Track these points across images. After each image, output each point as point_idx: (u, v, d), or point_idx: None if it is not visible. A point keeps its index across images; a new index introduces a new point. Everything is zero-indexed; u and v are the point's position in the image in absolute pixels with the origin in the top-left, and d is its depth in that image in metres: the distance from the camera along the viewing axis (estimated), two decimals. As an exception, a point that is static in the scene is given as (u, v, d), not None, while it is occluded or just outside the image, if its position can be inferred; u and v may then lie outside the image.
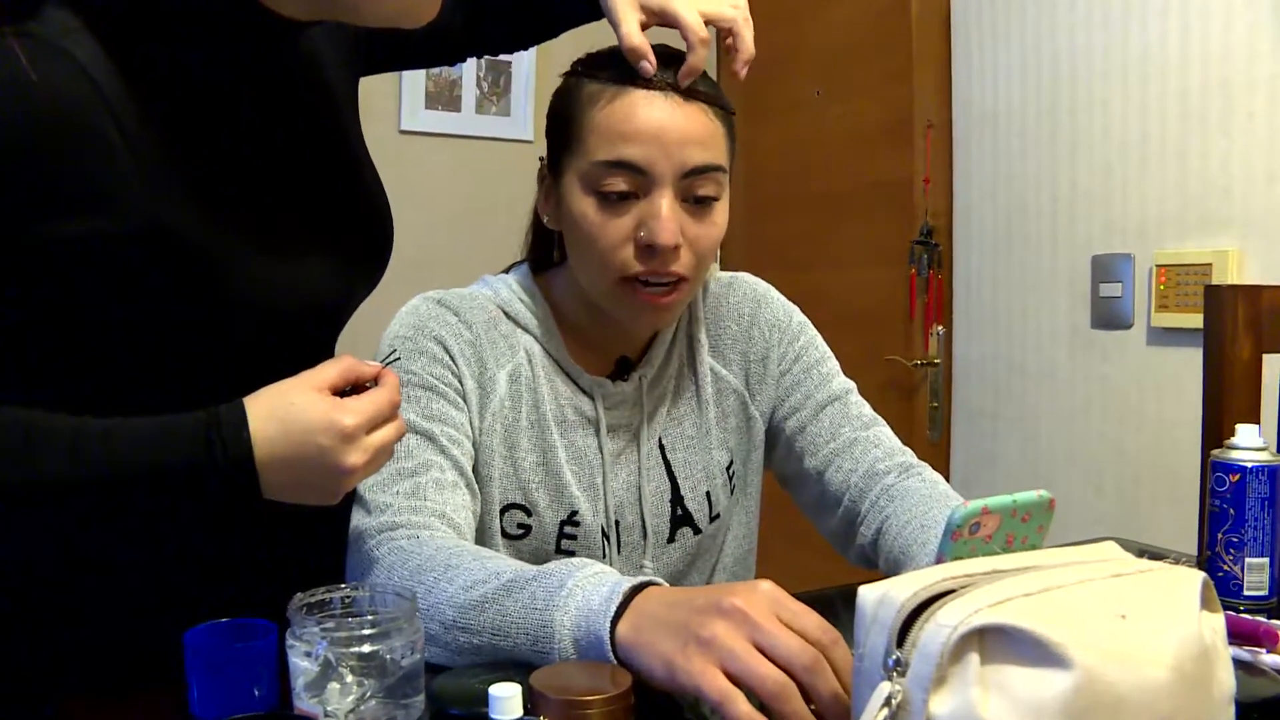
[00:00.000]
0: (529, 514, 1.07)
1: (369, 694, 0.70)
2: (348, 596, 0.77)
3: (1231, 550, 1.05)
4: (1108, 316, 2.00)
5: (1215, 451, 1.07)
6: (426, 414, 1.02)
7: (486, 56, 1.26)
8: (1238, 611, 0.97)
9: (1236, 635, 0.85)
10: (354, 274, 0.99)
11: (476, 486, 1.04)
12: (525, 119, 2.79)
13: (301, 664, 0.70)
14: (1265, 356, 1.32)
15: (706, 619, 0.71)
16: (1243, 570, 1.04)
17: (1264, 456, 1.04)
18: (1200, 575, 0.62)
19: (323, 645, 0.70)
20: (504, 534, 1.07)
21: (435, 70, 2.70)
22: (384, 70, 1.16)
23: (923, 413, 2.40)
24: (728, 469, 1.17)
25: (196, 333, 0.86)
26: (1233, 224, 1.78)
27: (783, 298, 1.22)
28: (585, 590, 0.79)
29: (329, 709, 0.70)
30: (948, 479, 1.36)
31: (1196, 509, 1.19)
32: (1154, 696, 0.55)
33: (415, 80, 2.66)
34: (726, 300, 1.19)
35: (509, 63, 2.77)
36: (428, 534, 0.93)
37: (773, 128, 2.78)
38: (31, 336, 0.83)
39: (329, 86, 1.00)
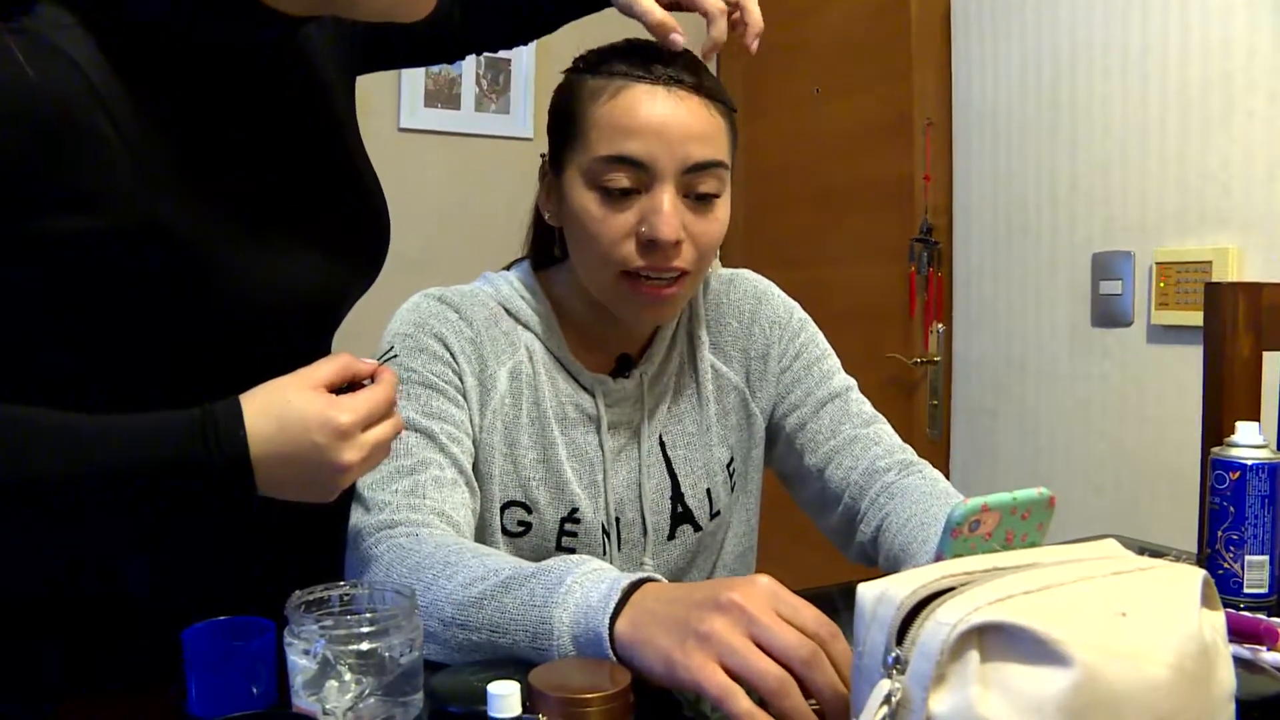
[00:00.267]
0: (529, 511, 1.07)
1: (367, 692, 0.70)
2: (346, 594, 0.77)
3: (1232, 548, 1.04)
4: (1108, 314, 2.00)
5: (1215, 449, 1.07)
6: (426, 411, 1.01)
7: (487, 54, 1.26)
8: (1238, 609, 0.97)
9: (1237, 633, 0.85)
10: (350, 271, 0.98)
11: (476, 484, 1.04)
12: (525, 117, 2.79)
13: (300, 662, 0.70)
14: (1265, 354, 1.32)
15: (705, 614, 0.71)
16: (1243, 568, 1.04)
17: (1264, 454, 1.04)
18: (1200, 573, 0.62)
19: (321, 643, 0.69)
20: (504, 531, 1.07)
21: (434, 68, 2.70)
22: (383, 68, 1.16)
23: (922, 410, 2.40)
24: (728, 466, 1.17)
25: (192, 329, 0.86)
26: (1233, 221, 1.77)
27: (783, 295, 1.22)
28: (584, 587, 0.79)
29: (327, 707, 0.69)
30: (947, 476, 1.36)
31: (1197, 506, 1.19)
32: (1154, 694, 0.55)
33: (414, 78, 2.66)
34: (727, 297, 1.19)
35: (508, 60, 2.77)
36: (426, 531, 0.93)
37: (772, 125, 2.78)
38: (26, 333, 0.83)
39: (325, 83, 0.99)
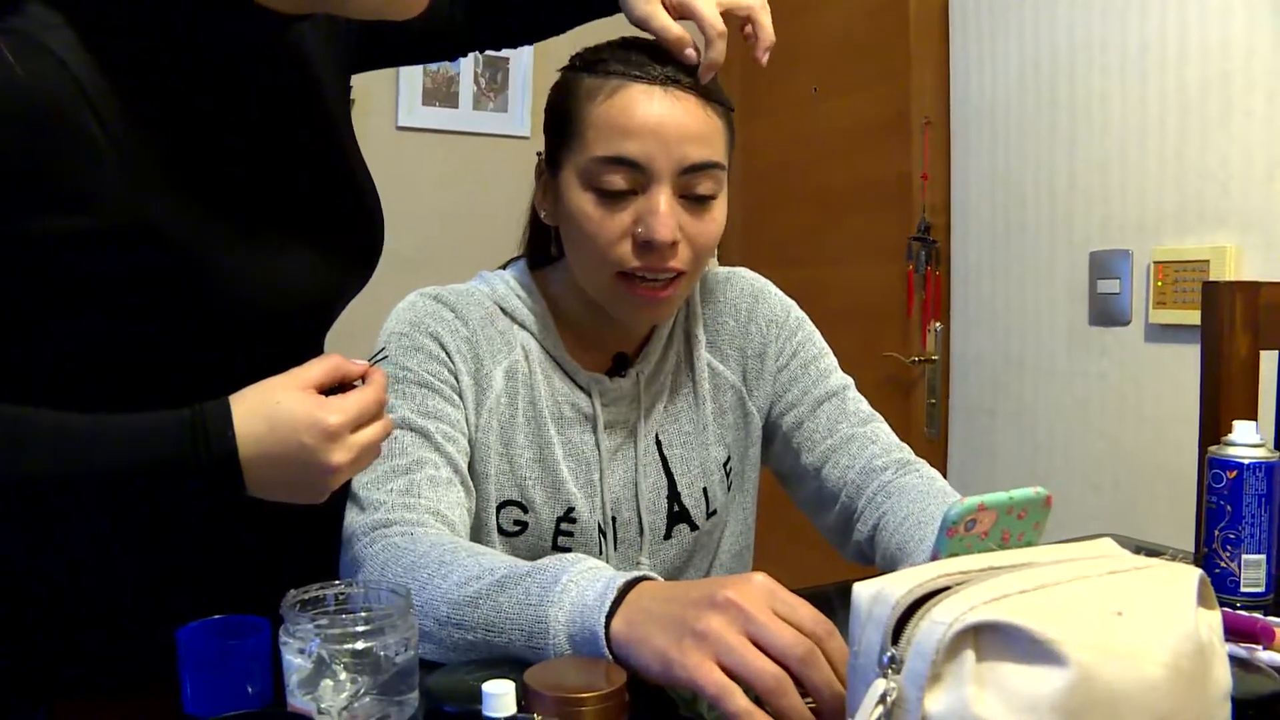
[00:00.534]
0: (525, 511, 1.07)
1: (362, 691, 0.70)
2: (341, 593, 0.77)
3: (1229, 547, 1.04)
4: (1106, 313, 2.00)
5: (1212, 448, 1.07)
6: (422, 410, 1.01)
7: (490, 51, 1.26)
8: (1235, 608, 0.97)
9: (1233, 632, 0.85)
10: (342, 271, 0.98)
11: (471, 483, 1.04)
12: (523, 115, 2.79)
13: (295, 661, 0.70)
14: (1263, 353, 1.32)
15: (701, 612, 0.71)
16: (1240, 567, 1.04)
17: (1261, 453, 1.04)
18: (1197, 572, 0.62)
19: (316, 642, 0.69)
20: (500, 531, 1.07)
21: (433, 66, 2.69)
22: (382, 66, 1.16)
23: (920, 409, 2.40)
24: (725, 465, 1.17)
25: (183, 329, 0.85)
26: (1231, 220, 1.77)
27: (780, 293, 1.22)
28: (580, 585, 0.79)
29: (322, 706, 0.69)
30: (945, 475, 1.36)
31: (1194, 505, 1.19)
32: (1150, 694, 0.54)
33: (412, 76, 2.66)
34: (724, 296, 1.19)
35: (506, 59, 2.76)
36: (421, 531, 0.93)
37: (770, 124, 2.77)
38: (15, 332, 0.83)
39: (317, 81, 0.99)
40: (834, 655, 0.69)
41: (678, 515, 1.13)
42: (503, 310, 1.10)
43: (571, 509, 1.07)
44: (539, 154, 1.10)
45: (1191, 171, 1.82)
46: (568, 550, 1.07)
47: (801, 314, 1.22)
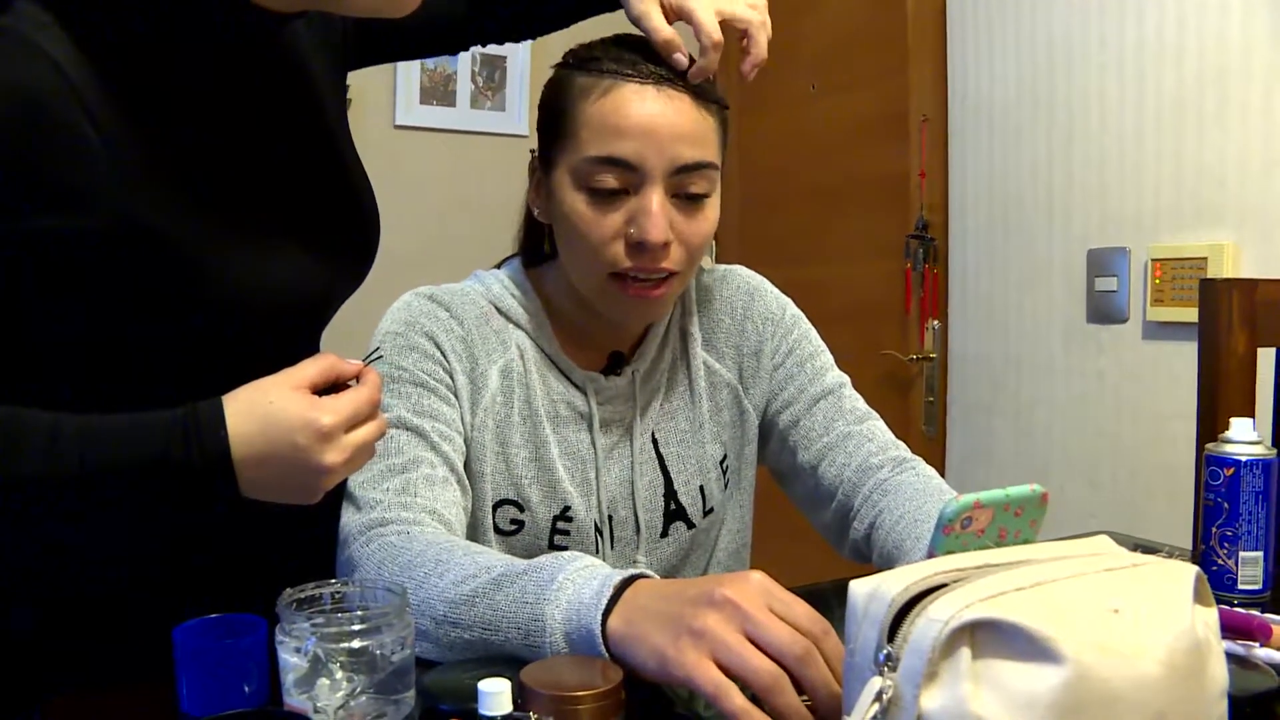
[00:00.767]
0: (522, 510, 1.07)
1: (359, 690, 0.70)
2: (337, 592, 0.77)
3: (1226, 544, 1.04)
4: (1103, 310, 2.00)
5: (1210, 445, 1.07)
6: (417, 410, 1.01)
7: (486, 48, 1.25)
8: (1232, 605, 0.97)
9: (1230, 629, 0.85)
10: (337, 270, 0.98)
11: (468, 482, 1.04)
12: (520, 114, 2.78)
13: (291, 660, 0.70)
14: (1260, 350, 1.32)
15: (698, 610, 0.71)
16: (1237, 564, 1.04)
17: (1259, 450, 1.04)
18: (1194, 569, 0.62)
19: (312, 641, 0.69)
20: (497, 530, 1.07)
21: (430, 65, 2.69)
22: (379, 62, 1.15)
23: (918, 407, 2.40)
24: (721, 463, 1.17)
25: (174, 329, 0.85)
26: (1228, 217, 1.77)
27: (776, 291, 1.22)
28: (576, 584, 0.79)
29: (319, 705, 0.69)
30: (943, 473, 1.36)
31: (1191, 503, 1.19)
32: (1146, 691, 0.54)
33: (410, 75, 2.66)
34: (719, 293, 1.19)
35: (504, 57, 2.76)
36: (418, 530, 0.93)
37: (768, 122, 2.77)
38: (10, 332, 0.82)
39: (312, 80, 0.99)
40: (831, 654, 0.69)
41: (674, 513, 1.13)
42: (497, 309, 1.09)
43: (568, 508, 1.07)
44: (532, 151, 1.10)
45: (1189, 169, 1.82)
46: (564, 549, 1.07)
47: (797, 311, 1.21)
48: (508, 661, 0.77)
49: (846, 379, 1.19)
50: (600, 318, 1.08)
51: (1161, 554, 0.68)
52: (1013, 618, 0.54)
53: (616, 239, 0.99)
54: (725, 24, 1.01)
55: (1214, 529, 1.05)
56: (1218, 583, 1.04)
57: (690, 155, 0.99)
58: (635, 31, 1.03)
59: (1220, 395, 1.30)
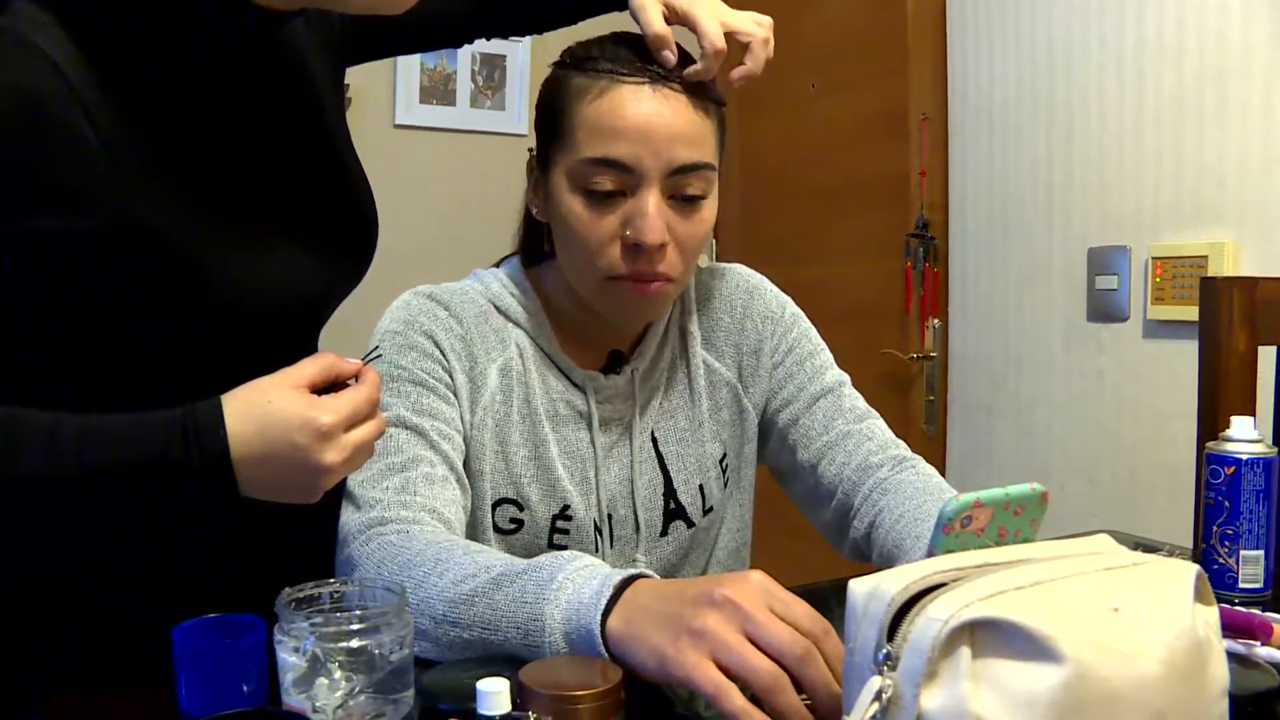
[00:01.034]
0: (521, 509, 1.06)
1: (357, 689, 0.70)
2: (336, 592, 0.76)
3: (1227, 543, 1.04)
4: (1103, 309, 2.00)
5: (1210, 444, 1.07)
6: (417, 409, 1.01)
7: (491, 45, 1.25)
8: (1233, 604, 0.97)
9: (1231, 628, 0.85)
10: (336, 269, 0.98)
11: (467, 481, 1.04)
12: (520, 113, 2.78)
13: (290, 659, 0.70)
14: (1261, 348, 1.32)
15: (698, 610, 0.71)
16: (1238, 563, 1.04)
17: (1259, 449, 1.04)
18: (1194, 568, 0.62)
19: (311, 640, 0.69)
20: (496, 529, 1.06)
21: (430, 64, 2.69)
22: (379, 57, 1.15)
23: (918, 406, 2.40)
24: (721, 462, 1.16)
25: (173, 329, 0.85)
26: (1228, 216, 1.77)
27: (775, 289, 1.22)
28: (576, 583, 0.79)
29: (317, 705, 0.69)
30: (943, 472, 1.36)
31: (1192, 502, 1.19)
32: (1146, 690, 0.54)
33: (409, 74, 2.66)
34: (719, 292, 1.19)
35: (503, 56, 2.76)
36: (417, 529, 0.93)
37: (768, 121, 2.77)
38: (6, 332, 0.82)
39: (311, 79, 0.99)
40: (831, 654, 0.69)
41: (674, 512, 1.13)
42: (497, 308, 1.09)
43: (567, 506, 1.07)
44: (530, 150, 1.10)
45: (1189, 167, 1.82)
46: (564, 548, 1.07)
47: (797, 310, 1.21)
48: (507, 661, 0.77)
49: (846, 377, 1.19)
50: (599, 317, 1.08)
51: (1162, 553, 0.67)
52: (1012, 617, 0.54)
53: (613, 241, 0.99)
54: (728, 36, 1.01)
55: (1215, 527, 1.05)
56: (1218, 581, 1.04)
57: (687, 156, 0.98)
58: (634, 30, 1.03)
59: (1221, 394, 1.30)
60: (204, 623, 0.78)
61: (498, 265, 1.16)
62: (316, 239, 0.94)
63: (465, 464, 1.04)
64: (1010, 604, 0.54)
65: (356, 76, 1.10)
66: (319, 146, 0.99)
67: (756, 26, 1.03)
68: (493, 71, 2.76)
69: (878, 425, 1.15)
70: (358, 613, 0.73)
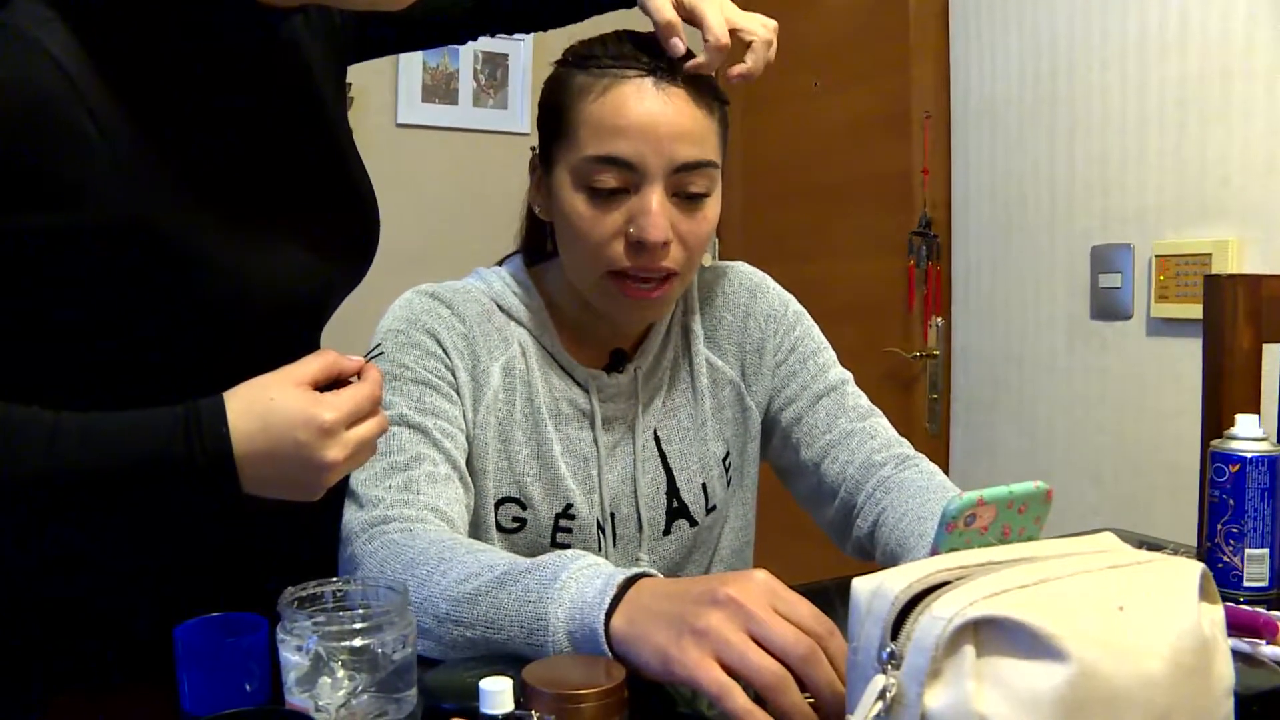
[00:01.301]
0: (524, 507, 1.06)
1: (360, 688, 0.70)
2: (339, 590, 0.76)
3: (1231, 541, 1.04)
4: (1107, 307, 2.00)
5: (1215, 442, 1.07)
6: (419, 407, 1.01)
7: (493, 44, 1.25)
8: (1238, 603, 0.97)
9: (1236, 627, 0.84)
10: (337, 267, 0.98)
11: (470, 480, 1.03)
12: (522, 112, 2.78)
13: (292, 658, 0.70)
14: (1265, 346, 1.31)
15: (701, 610, 0.71)
16: (1242, 561, 1.04)
17: (1264, 447, 1.04)
18: (1199, 566, 0.61)
19: (313, 639, 0.69)
20: (499, 528, 1.06)
21: (432, 63, 2.69)
22: (380, 54, 1.15)
23: (921, 405, 2.40)
24: (724, 460, 1.16)
25: (175, 326, 0.85)
26: (1232, 213, 1.77)
27: (778, 287, 1.22)
28: (579, 582, 0.79)
29: (320, 703, 0.69)
30: (946, 471, 1.35)
31: (1196, 500, 1.18)
32: (1151, 689, 0.54)
33: (412, 73, 2.66)
34: (722, 290, 1.18)
35: (506, 55, 2.76)
36: (420, 527, 0.93)
37: (771, 119, 2.77)
38: (8, 329, 0.82)
39: (312, 75, 0.99)
40: (835, 654, 0.69)
41: (677, 511, 1.13)
42: (499, 307, 1.09)
43: (570, 505, 1.07)
44: (533, 149, 1.09)
45: (1192, 165, 1.82)
46: (567, 547, 1.07)
47: (800, 308, 1.21)
48: (510, 660, 0.77)
49: (849, 376, 1.19)
50: (602, 315, 1.07)
51: (1167, 551, 0.67)
52: (1017, 615, 0.53)
53: (616, 238, 0.99)
54: (733, 34, 1.01)
55: (1219, 526, 1.05)
56: (1223, 580, 1.03)
57: (690, 154, 0.98)
58: (636, 28, 1.03)
59: (1225, 392, 1.30)
60: (206, 622, 0.78)
61: (500, 264, 1.15)
62: (318, 236, 0.94)
63: (468, 463, 1.04)
64: (1014, 602, 0.54)
65: (359, 75, 1.10)
66: (320, 143, 0.99)
67: (761, 28, 1.03)
68: (495, 70, 2.76)
69: (881, 423, 1.15)
70: (360, 612, 0.73)
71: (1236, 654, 0.72)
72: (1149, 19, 1.87)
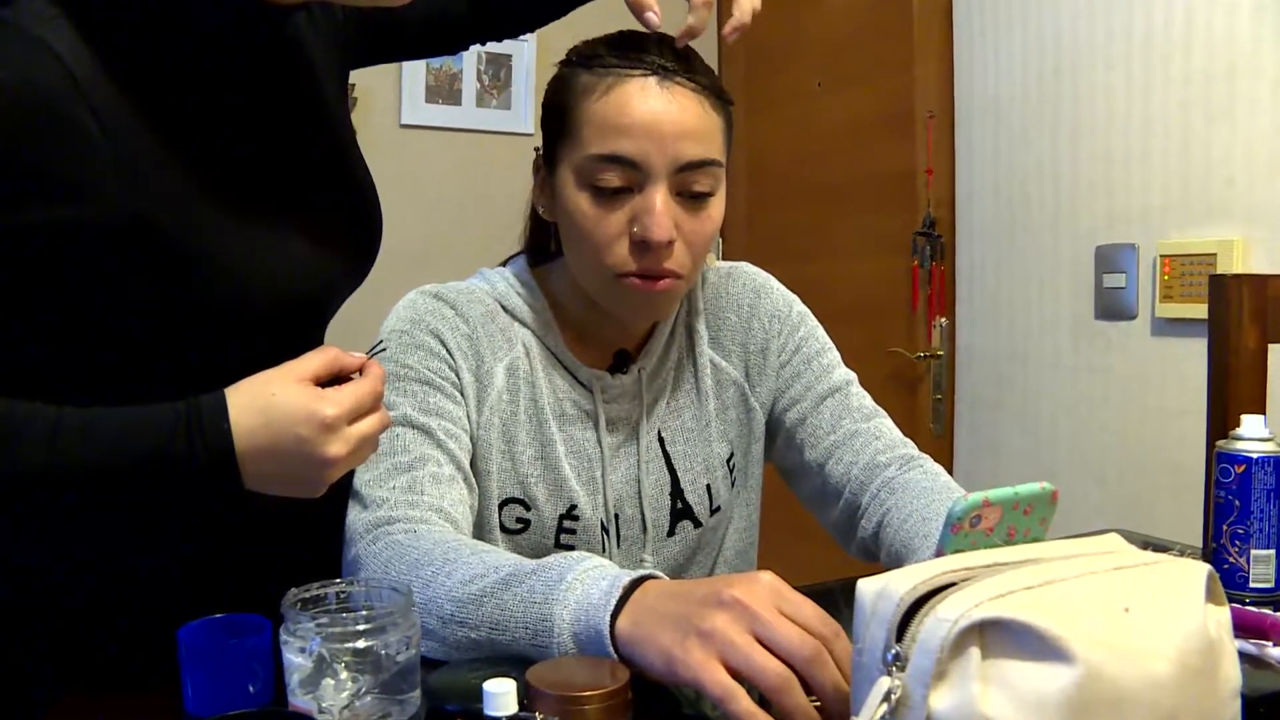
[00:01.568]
0: (528, 508, 1.06)
1: (364, 690, 0.70)
2: (342, 592, 0.76)
3: (1237, 542, 1.04)
4: (1111, 307, 1.99)
5: (1220, 442, 1.06)
6: (423, 408, 1.01)
7: (490, 45, 1.25)
8: (1244, 604, 0.97)
9: (1242, 628, 0.84)
10: (339, 265, 0.98)
11: (474, 481, 1.03)
12: (525, 112, 2.78)
13: (296, 660, 0.70)
14: (1271, 346, 1.31)
15: (707, 611, 0.70)
16: (1248, 562, 1.03)
17: (1270, 447, 1.03)
18: (1205, 567, 0.61)
19: (317, 641, 0.69)
20: (503, 529, 1.06)
21: (436, 64, 2.70)
22: (382, 61, 1.15)
23: (926, 405, 2.39)
24: (728, 461, 1.16)
25: (177, 323, 0.85)
26: (1237, 213, 1.77)
27: (783, 288, 1.22)
28: (585, 584, 0.79)
29: (323, 705, 0.69)
30: (951, 471, 1.35)
31: (1201, 501, 1.18)
32: (1157, 691, 0.54)
33: (415, 74, 2.66)
34: (726, 291, 1.18)
35: (509, 55, 2.76)
36: (425, 528, 0.92)
37: (774, 119, 2.77)
38: (10, 326, 0.82)
39: (314, 74, 0.99)
40: (841, 656, 0.69)
41: (681, 512, 1.13)
42: (503, 307, 1.09)
43: (574, 506, 1.07)
44: (536, 149, 1.09)
45: (1197, 164, 1.81)
46: (571, 548, 1.07)
47: (804, 309, 1.21)
48: (514, 661, 0.77)
49: (853, 376, 1.19)
50: (606, 316, 1.07)
51: (1173, 552, 0.67)
52: (1022, 617, 0.53)
53: (620, 238, 0.99)
54: None
55: (1225, 527, 1.04)
56: (1229, 581, 1.03)
57: (694, 153, 0.98)
58: (638, 28, 1.03)
59: (1231, 392, 1.29)
60: (210, 623, 0.78)
61: (504, 264, 1.15)
62: (321, 233, 0.94)
63: (472, 463, 1.04)
64: (1020, 604, 0.54)
65: (362, 77, 1.10)
66: (322, 141, 0.99)
67: None
68: (498, 71, 2.76)
69: (885, 424, 1.15)
70: (364, 613, 0.73)
71: (1243, 655, 0.71)
72: (1154, 18, 1.87)
